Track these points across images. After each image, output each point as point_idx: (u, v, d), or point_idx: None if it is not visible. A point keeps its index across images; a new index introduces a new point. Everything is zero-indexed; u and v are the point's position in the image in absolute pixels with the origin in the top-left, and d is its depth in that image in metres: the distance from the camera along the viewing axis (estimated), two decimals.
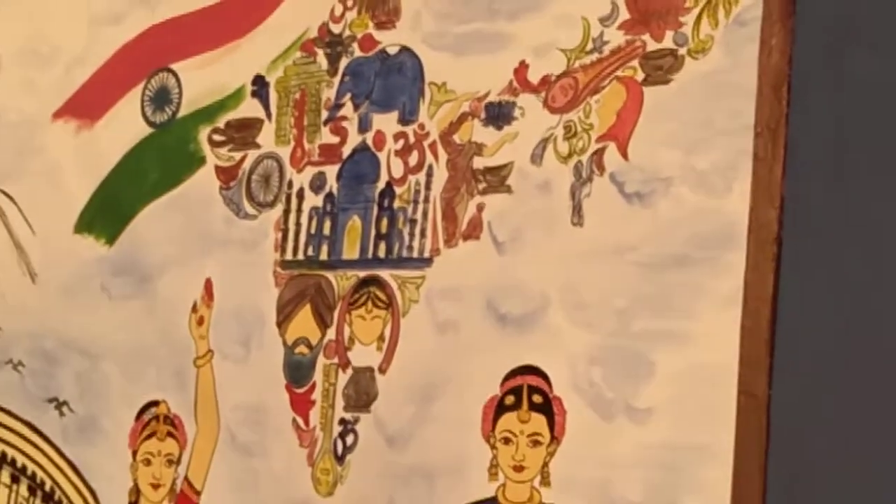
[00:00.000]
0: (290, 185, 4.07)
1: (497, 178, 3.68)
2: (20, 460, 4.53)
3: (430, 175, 3.80)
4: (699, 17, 3.43)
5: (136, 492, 4.24)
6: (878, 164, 3.58)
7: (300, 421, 3.93)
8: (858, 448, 3.51)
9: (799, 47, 3.37)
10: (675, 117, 3.45)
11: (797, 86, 3.36)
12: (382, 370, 3.81)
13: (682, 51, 3.45)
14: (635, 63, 3.51)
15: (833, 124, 3.46)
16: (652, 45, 3.49)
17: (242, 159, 4.18)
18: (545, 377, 3.54)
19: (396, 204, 3.86)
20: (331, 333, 3.92)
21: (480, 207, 3.69)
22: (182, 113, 4.34)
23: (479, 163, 3.72)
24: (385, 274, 3.85)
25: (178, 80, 4.37)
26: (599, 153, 3.53)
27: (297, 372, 3.97)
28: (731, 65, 3.39)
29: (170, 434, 4.19)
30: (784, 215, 3.34)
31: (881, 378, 3.57)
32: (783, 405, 3.33)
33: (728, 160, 3.38)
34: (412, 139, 3.84)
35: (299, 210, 4.05)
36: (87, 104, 4.55)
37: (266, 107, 4.15)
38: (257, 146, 4.15)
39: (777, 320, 3.33)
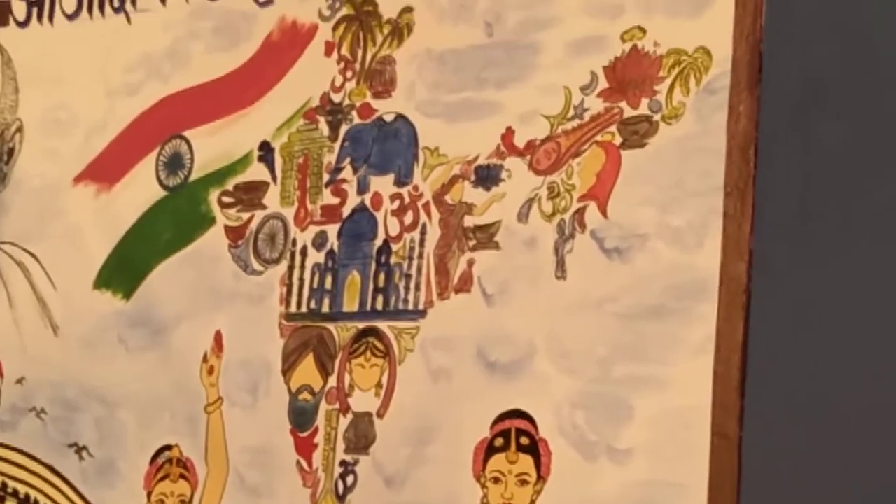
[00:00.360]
0: (294, 243, 4.13)
1: (486, 236, 3.77)
2: (42, 501, 4.55)
3: (423, 233, 3.88)
4: (672, 86, 3.56)
5: None
6: (840, 221, 3.73)
7: (304, 463, 3.99)
8: (827, 487, 3.64)
9: (765, 112, 3.49)
10: (650, 178, 3.56)
11: (763, 148, 3.48)
12: (380, 415, 3.88)
13: (657, 117, 3.57)
14: (613, 128, 3.62)
15: (798, 184, 3.57)
16: (629, 112, 3.61)
17: (250, 219, 4.24)
18: (532, 421, 3.63)
19: (393, 260, 3.92)
20: (332, 381, 3.98)
21: (471, 263, 3.78)
22: (194, 177, 4.38)
23: (469, 221, 3.80)
24: (382, 325, 3.91)
25: (189, 146, 4.41)
26: (581, 212, 3.64)
27: (301, 417, 4.02)
28: (701, 130, 3.51)
29: (182, 476, 4.23)
30: (752, 269, 3.45)
31: (846, 420, 3.72)
32: (753, 446, 3.41)
33: (700, 218, 3.49)
34: (407, 200, 3.92)
35: (303, 266, 4.10)
36: (105, 169, 4.59)
37: (272, 170, 4.21)
38: (263, 207, 4.21)
39: (747, 366, 3.43)
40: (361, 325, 3.97)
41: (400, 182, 3.96)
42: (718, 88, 3.50)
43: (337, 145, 4.10)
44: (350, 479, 3.91)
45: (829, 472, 3.63)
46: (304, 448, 4.01)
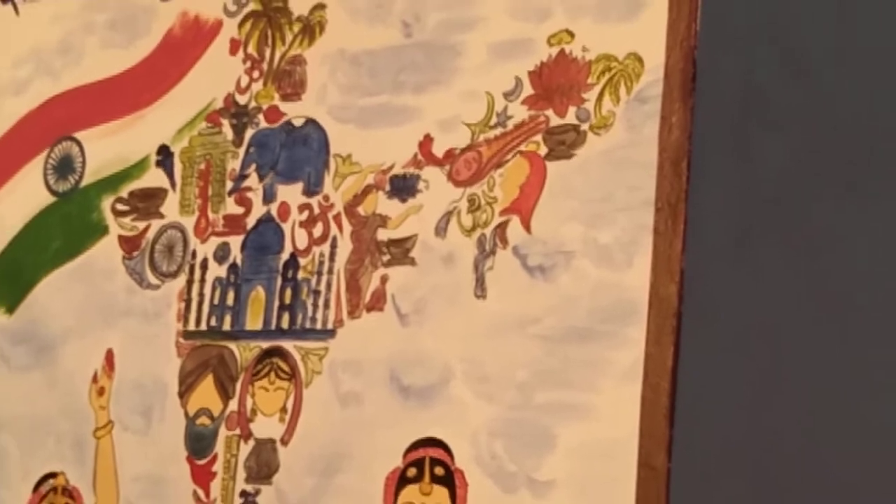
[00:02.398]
0: (194, 255, 4.11)
1: (401, 251, 3.75)
2: None
3: (334, 246, 3.86)
4: (601, 94, 3.55)
5: None
6: (778, 240, 3.74)
7: (201, 493, 3.96)
8: None
9: (699, 124, 3.49)
10: (577, 192, 3.55)
11: (697, 162, 3.49)
12: (284, 442, 3.84)
13: (585, 126, 3.55)
14: (538, 138, 3.61)
15: (733, 200, 3.59)
16: (555, 121, 3.60)
17: (146, 229, 4.21)
18: (447, 449, 3.61)
19: (300, 275, 3.90)
20: (233, 405, 3.95)
21: (384, 279, 3.76)
22: (85, 182, 4.35)
23: (383, 235, 3.78)
24: (288, 345, 3.89)
25: (81, 149, 4.39)
26: (503, 226, 3.62)
27: (199, 443, 3.99)
28: (632, 141, 3.50)
29: None
30: (684, 290, 3.45)
31: (780, 452, 3.73)
32: (682, 477, 3.41)
33: (629, 235, 3.48)
34: (317, 210, 3.90)
35: (203, 280, 4.08)
36: None
37: (170, 177, 4.19)
38: (161, 216, 4.19)
39: (676, 393, 3.43)
40: (265, 344, 3.94)
41: (309, 191, 3.94)
42: (650, 97, 3.50)
43: (242, 151, 4.08)
44: None
45: None
46: (202, 477, 3.97)
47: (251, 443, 3.91)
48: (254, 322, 3.97)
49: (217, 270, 4.06)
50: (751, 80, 3.63)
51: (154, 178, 4.22)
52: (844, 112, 3.96)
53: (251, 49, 4.10)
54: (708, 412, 3.49)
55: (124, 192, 4.27)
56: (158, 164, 4.22)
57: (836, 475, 3.93)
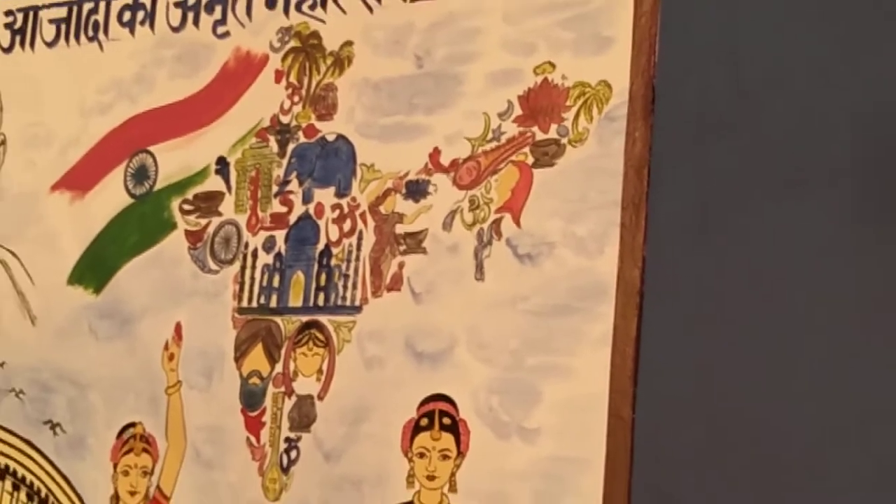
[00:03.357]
0: (247, 246, 4.08)
1: (415, 242, 3.75)
2: (20, 472, 4.50)
3: (360, 239, 3.85)
4: (577, 114, 3.54)
5: (116, 498, 4.24)
6: (722, 232, 3.74)
7: (253, 439, 3.96)
8: (707, 460, 3.64)
9: (657, 138, 3.47)
10: (557, 194, 3.54)
11: (655, 169, 3.46)
12: (320, 397, 3.85)
13: (564, 140, 3.55)
14: (526, 150, 3.60)
15: (685, 200, 3.57)
16: (540, 136, 3.59)
17: (207, 225, 4.19)
18: (453, 403, 3.61)
19: (333, 262, 3.89)
20: (278, 367, 3.95)
21: (401, 265, 3.75)
22: (158, 187, 4.32)
23: (400, 229, 3.78)
24: (323, 319, 3.88)
25: (154, 159, 4.35)
26: (497, 222, 3.62)
27: (251, 399, 3.99)
28: (602, 152, 3.49)
29: (145, 450, 4.18)
30: (645, 274, 3.44)
31: (724, 405, 3.73)
32: (644, 426, 3.40)
33: (600, 229, 3.48)
34: (346, 209, 3.89)
35: (254, 266, 4.06)
36: (79, 179, 4.52)
37: (227, 182, 4.16)
38: (219, 214, 4.16)
39: (639, 358, 3.41)
40: (305, 318, 3.93)
41: (340, 194, 3.92)
42: (617, 117, 3.49)
43: (285, 161, 4.05)
44: (293, 454, 3.87)
45: (711, 448, 3.63)
46: (253, 426, 3.97)
47: (293, 398, 3.90)
48: (295, 300, 3.95)
49: (265, 258, 4.04)
50: (700, 101, 3.61)
51: (214, 183, 4.19)
52: (779, 125, 3.94)
53: (292, 78, 4.07)
54: (665, 373, 3.47)
55: (189, 195, 4.24)
56: (217, 171, 4.19)
57: (773, 423, 3.93)
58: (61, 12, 4.66)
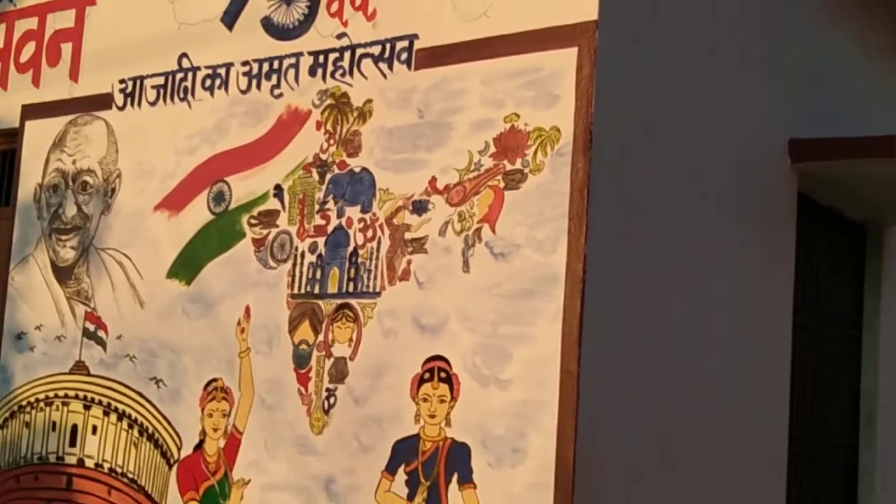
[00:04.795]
0: (297, 249, 4.07)
1: (419, 245, 3.76)
2: (134, 415, 4.49)
3: (379, 243, 3.85)
4: (536, 151, 3.55)
5: (203, 434, 4.24)
6: (641, 236, 3.76)
7: (302, 389, 3.97)
8: (631, 400, 3.66)
9: (593, 168, 3.45)
10: (522, 209, 3.55)
11: (592, 190, 3.44)
12: (351, 359, 3.86)
13: (526, 170, 3.56)
14: (499, 177, 3.61)
15: (614, 212, 3.58)
16: (508, 167, 3.60)
17: (268, 234, 4.17)
18: (448, 362, 3.63)
19: (360, 260, 3.89)
20: (321, 337, 3.95)
21: (409, 262, 3.76)
22: (231, 207, 4.31)
23: (408, 236, 3.78)
24: (353, 301, 3.88)
25: (229, 187, 4.33)
26: (479, 230, 3.63)
27: (300, 360, 3.99)
28: (554, 178, 3.51)
29: (224, 398, 4.19)
30: (586, 266, 3.43)
31: (644, 361, 3.75)
32: (587, 377, 3.41)
33: (553, 234, 3.49)
34: (369, 222, 3.89)
35: (302, 264, 4.04)
36: (174, 201, 4.51)
37: (282, 203, 4.14)
38: (277, 226, 4.15)
39: (583, 328, 3.41)
40: (339, 301, 3.92)
41: (364, 211, 3.91)
42: (565, 152, 3.50)
43: (324, 187, 4.04)
44: (332, 400, 3.89)
45: (633, 392, 3.68)
46: (303, 380, 3.98)
47: (332, 359, 3.91)
48: (332, 288, 3.94)
49: (310, 258, 4.02)
50: (623, 140, 3.62)
51: (272, 203, 4.17)
52: (680, 157, 3.96)
53: (328, 127, 4.05)
54: (601, 339, 3.48)
55: (255, 212, 4.22)
56: (275, 195, 4.17)
57: (679, 374, 3.94)
58: (160, 80, 4.64)
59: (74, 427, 4.70)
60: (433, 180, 3.76)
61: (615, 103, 3.59)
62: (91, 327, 4.73)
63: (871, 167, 4.82)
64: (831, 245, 5.50)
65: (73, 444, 4.70)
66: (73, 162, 4.92)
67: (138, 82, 4.74)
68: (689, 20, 4.03)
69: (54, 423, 4.78)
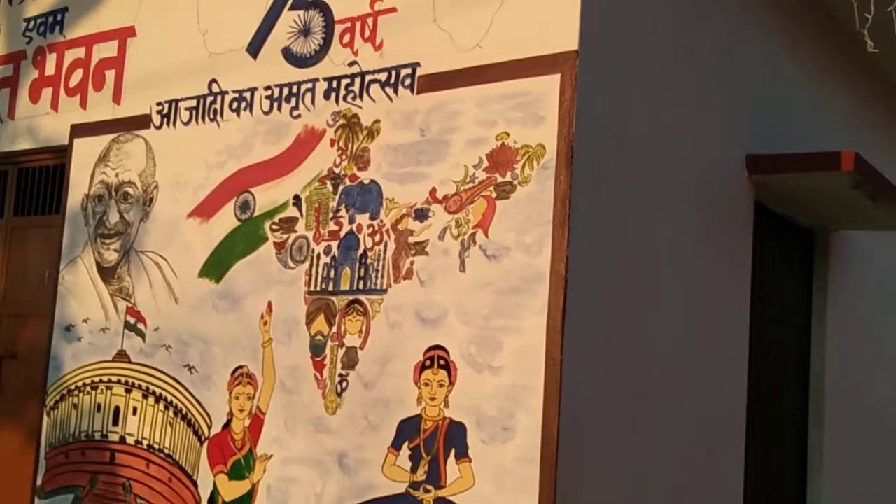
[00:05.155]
0: (313, 251, 4.06)
1: (420, 248, 3.76)
2: (170, 398, 4.49)
3: (385, 247, 3.85)
4: (524, 165, 3.56)
5: (230, 414, 4.24)
6: (614, 238, 3.76)
7: (318, 375, 3.97)
8: (610, 384, 3.67)
9: (574, 180, 3.46)
10: (512, 216, 3.56)
11: (573, 200, 3.45)
12: (361, 348, 3.85)
13: (516, 182, 3.56)
14: (491, 188, 3.62)
15: (593, 220, 3.59)
16: (500, 179, 3.60)
17: (287, 238, 4.16)
18: (446, 351, 3.64)
19: (369, 261, 3.88)
20: (334, 329, 3.94)
21: (412, 263, 3.76)
22: (256, 214, 4.30)
23: (411, 239, 3.78)
24: (363, 297, 3.88)
25: (253, 197, 4.32)
26: (473, 235, 3.63)
27: (316, 349, 3.99)
28: (540, 189, 3.51)
29: (249, 383, 4.19)
30: (568, 267, 3.43)
31: (620, 350, 3.75)
32: (569, 364, 3.41)
33: (539, 238, 3.49)
34: (377, 228, 3.88)
35: (317, 265, 4.04)
36: (205, 210, 4.50)
37: (300, 211, 4.13)
38: (296, 231, 4.14)
39: (565, 320, 3.42)
40: (351, 297, 3.92)
41: (372, 218, 3.91)
42: (550, 166, 3.50)
43: (337, 197, 4.04)
44: (344, 384, 3.89)
45: (611, 377, 3.69)
46: (319, 367, 3.98)
47: (344, 348, 3.90)
48: (344, 286, 3.94)
49: (325, 259, 4.02)
50: (599, 156, 3.62)
51: (291, 211, 4.17)
52: (648, 171, 3.97)
53: (341, 144, 4.05)
54: (582, 331, 3.48)
55: (276, 219, 4.21)
56: (294, 204, 4.16)
57: (649, 358, 3.95)
58: (192, 103, 4.64)
59: (117, 408, 4.71)
60: (433, 191, 3.76)
61: (593, 123, 3.60)
62: (132, 320, 4.73)
63: (819, 179, 4.84)
64: (783, 248, 5.52)
65: (115, 423, 4.70)
66: (116, 175, 4.93)
67: (173, 104, 4.75)
68: (657, 49, 4.05)
69: (99, 405, 4.78)
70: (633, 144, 3.87)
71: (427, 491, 3.58)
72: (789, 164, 4.79)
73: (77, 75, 5.22)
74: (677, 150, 4.20)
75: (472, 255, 3.63)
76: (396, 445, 3.70)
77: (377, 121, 3.96)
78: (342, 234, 3.99)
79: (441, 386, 3.62)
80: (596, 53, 3.59)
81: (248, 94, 4.44)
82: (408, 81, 3.90)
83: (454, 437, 3.56)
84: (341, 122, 4.08)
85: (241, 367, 4.25)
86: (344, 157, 4.05)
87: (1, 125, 5.59)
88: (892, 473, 6.98)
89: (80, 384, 4.89)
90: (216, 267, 4.43)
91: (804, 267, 5.83)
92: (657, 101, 4.04)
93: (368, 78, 4.02)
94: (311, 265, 4.07)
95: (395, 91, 3.93)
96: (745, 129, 4.83)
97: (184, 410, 4.44)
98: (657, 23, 4.04)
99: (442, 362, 3.64)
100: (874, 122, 6.62)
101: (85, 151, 5.09)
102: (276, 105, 4.33)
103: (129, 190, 4.85)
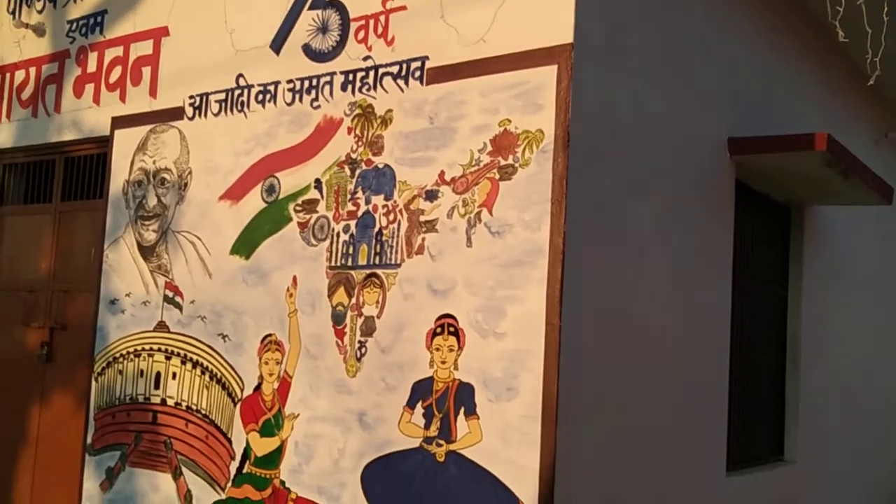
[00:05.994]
0: (333, 230, 4.05)
1: (431, 226, 3.75)
2: (205, 363, 4.50)
3: (399, 225, 3.85)
4: (524, 149, 3.55)
5: (260, 377, 4.24)
6: (605, 218, 3.75)
7: (339, 342, 3.97)
8: (602, 347, 3.67)
9: (571, 162, 3.45)
10: (514, 195, 3.55)
11: (570, 180, 3.45)
12: (378, 317, 3.86)
13: (517, 164, 3.55)
14: (495, 170, 3.61)
15: (586, 197, 3.58)
16: (503, 162, 3.59)
17: (310, 218, 4.15)
18: (455, 319, 3.64)
19: (384, 238, 3.88)
20: (353, 300, 3.94)
21: (423, 240, 3.76)
22: (280, 197, 4.28)
23: (422, 218, 3.78)
24: (379, 271, 3.88)
25: (278, 181, 4.30)
26: (479, 213, 3.63)
27: (338, 319, 3.99)
28: (539, 171, 3.50)
29: (277, 349, 4.19)
30: (565, 241, 3.43)
31: (611, 315, 3.75)
32: (566, 329, 3.43)
33: (539, 215, 3.49)
34: (391, 208, 3.88)
35: (337, 242, 4.03)
36: (235, 193, 4.49)
37: (321, 193, 4.12)
38: (317, 212, 4.13)
39: (563, 290, 3.42)
40: (368, 271, 3.92)
41: (387, 199, 3.90)
42: (548, 150, 3.49)
43: (354, 180, 4.03)
44: (363, 350, 3.89)
45: (603, 340, 3.69)
46: (340, 334, 3.98)
47: (362, 317, 3.91)
48: (362, 261, 3.94)
49: (344, 237, 4.01)
50: (592, 140, 3.60)
51: (313, 194, 4.15)
52: (636, 154, 3.95)
53: (357, 132, 4.04)
54: (577, 299, 3.47)
55: (299, 201, 4.20)
56: (315, 187, 4.15)
57: (634, 323, 3.94)
58: (222, 95, 4.62)
59: (158, 374, 4.72)
60: (442, 174, 3.75)
61: (587, 110, 3.59)
62: (170, 294, 4.73)
63: (794, 159, 4.82)
64: (762, 222, 5.51)
65: (157, 387, 4.72)
66: (154, 162, 4.92)
67: (204, 97, 4.73)
68: (645, 42, 4.02)
69: (142, 371, 4.80)
70: (623, 129, 3.85)
71: (439, 445, 3.60)
72: (767, 145, 4.77)
73: (116, 72, 5.20)
74: (664, 134, 4.18)
75: (478, 232, 3.63)
76: (411, 404, 3.71)
77: (390, 110, 3.95)
78: (359, 213, 3.99)
79: (451, 350, 3.63)
80: (589, 46, 3.57)
81: (272, 87, 4.42)
82: (417, 73, 3.88)
83: (463, 397, 3.56)
84: (357, 111, 4.06)
85: (269, 335, 4.26)
86: (360, 143, 4.03)
87: (48, 118, 5.58)
88: (859, 424, 6.99)
89: (124, 352, 4.91)
90: (245, 245, 4.43)
91: (781, 239, 5.82)
92: (646, 89, 4.01)
93: (381, 71, 4.00)
94: (331, 242, 4.07)
95: (406, 83, 3.91)
96: (726, 113, 4.80)
97: (218, 375, 4.45)
98: (644, 17, 4.01)
99: (451, 329, 3.64)
100: (845, 105, 6.58)
101: (125, 141, 5.08)
102: (297, 97, 4.31)
103: (166, 176, 4.84)
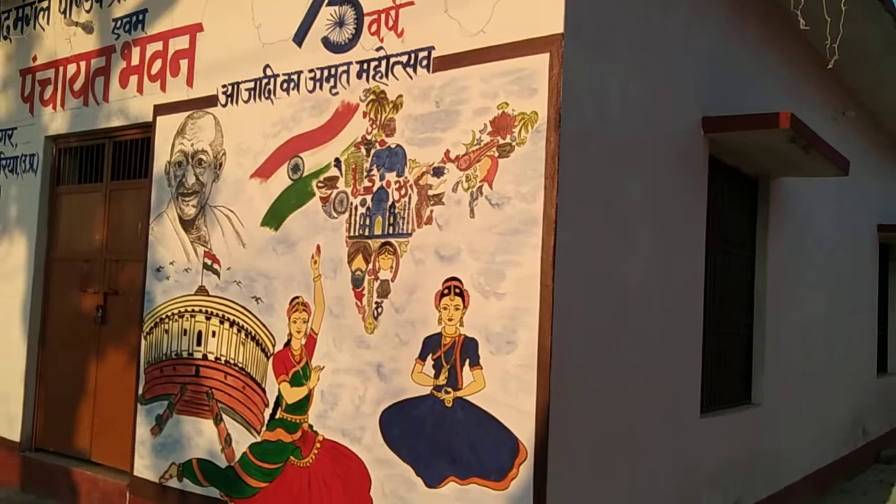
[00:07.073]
0: (351, 204, 4.03)
1: (437, 198, 3.73)
2: (241, 323, 4.49)
3: (410, 199, 3.82)
4: (521, 129, 3.51)
5: (290, 335, 4.24)
6: (595, 192, 3.72)
7: (358, 303, 3.97)
8: (591, 305, 3.66)
9: (562, 141, 3.40)
10: (512, 171, 3.52)
11: (561, 157, 3.42)
12: (392, 281, 3.84)
13: (514, 143, 3.52)
14: (494, 149, 3.57)
15: (576, 173, 3.55)
16: (501, 141, 3.56)
17: (331, 194, 4.13)
18: (461, 281, 3.62)
19: (396, 210, 3.86)
20: (370, 266, 3.93)
21: (431, 212, 3.74)
22: (305, 175, 4.25)
23: (430, 192, 3.76)
24: (392, 240, 3.86)
25: (302, 160, 4.27)
26: (480, 187, 3.60)
27: (357, 282, 3.98)
28: (534, 149, 3.47)
29: (304, 310, 4.18)
30: (558, 212, 3.41)
31: (598, 279, 3.73)
32: (559, 289, 3.41)
33: (534, 189, 3.46)
34: (402, 184, 3.85)
35: (355, 214, 4.02)
36: (265, 171, 4.46)
37: (340, 171, 4.10)
38: (337, 188, 4.10)
39: (556, 254, 3.40)
40: (383, 240, 3.91)
41: (399, 175, 3.88)
42: (542, 130, 3.46)
43: (370, 159, 4.00)
44: (379, 309, 3.89)
45: (591, 299, 3.66)
46: (359, 296, 3.97)
47: (378, 281, 3.90)
48: (378, 231, 3.92)
49: (361, 210, 3.99)
50: (582, 121, 3.55)
51: (333, 172, 4.12)
52: (626, 133, 3.90)
53: (372, 115, 4.00)
54: (569, 263, 3.45)
55: (321, 178, 4.17)
56: (335, 165, 4.12)
57: (619, 283, 3.92)
58: (251, 84, 4.58)
59: (199, 332, 4.73)
60: (447, 152, 3.72)
61: (576, 94, 3.54)
62: (208, 262, 4.72)
63: (761, 136, 4.77)
64: (733, 193, 5.46)
65: (199, 344, 4.73)
66: (192, 145, 4.89)
67: (236, 86, 4.69)
68: (629, 31, 3.96)
69: (185, 330, 4.80)
70: (609, 110, 3.81)
71: (447, 392, 3.60)
72: (737, 123, 4.72)
73: (157, 64, 5.16)
74: (646, 115, 4.13)
75: (480, 204, 3.61)
76: (422, 357, 3.71)
77: (400, 95, 3.91)
78: (374, 189, 3.96)
79: (457, 309, 3.62)
80: (578, 36, 3.52)
81: (295, 77, 4.38)
82: (425, 62, 3.84)
83: (468, 350, 3.57)
84: (371, 97, 4.02)
85: (297, 297, 4.25)
86: (374, 126, 4.00)
87: (97, 107, 5.55)
88: (818, 370, 7.00)
89: (169, 314, 4.91)
90: (274, 218, 4.40)
91: (750, 208, 5.78)
92: (629, 74, 3.96)
93: (393, 60, 3.96)
94: (350, 215, 4.05)
95: (415, 70, 3.87)
96: (701, 95, 4.74)
97: (252, 333, 4.45)
98: (629, 8, 3.95)
99: (457, 290, 3.64)
100: (808, 86, 6.50)
101: (166, 126, 5.04)
102: (318, 85, 4.27)
103: (203, 157, 4.81)
